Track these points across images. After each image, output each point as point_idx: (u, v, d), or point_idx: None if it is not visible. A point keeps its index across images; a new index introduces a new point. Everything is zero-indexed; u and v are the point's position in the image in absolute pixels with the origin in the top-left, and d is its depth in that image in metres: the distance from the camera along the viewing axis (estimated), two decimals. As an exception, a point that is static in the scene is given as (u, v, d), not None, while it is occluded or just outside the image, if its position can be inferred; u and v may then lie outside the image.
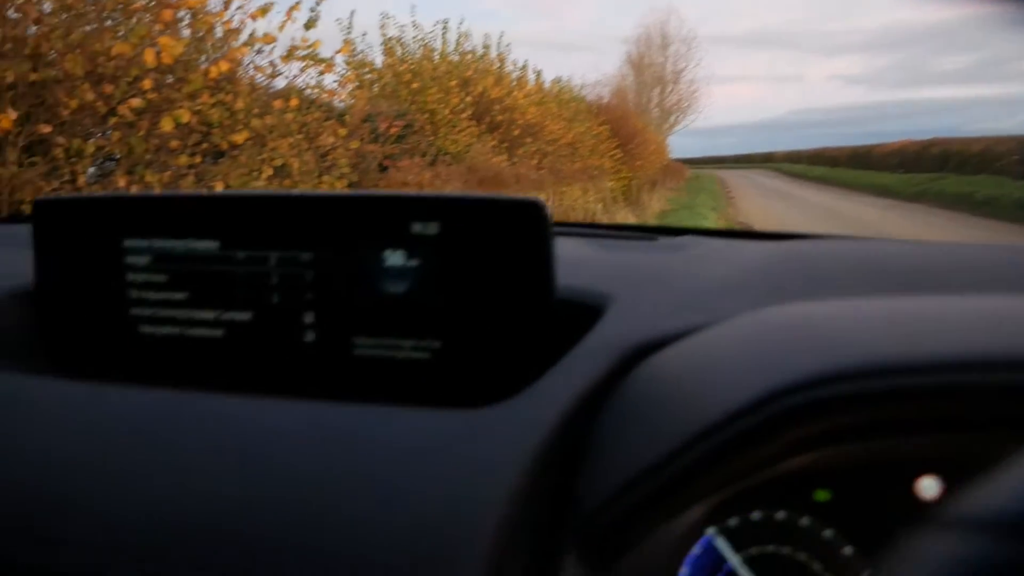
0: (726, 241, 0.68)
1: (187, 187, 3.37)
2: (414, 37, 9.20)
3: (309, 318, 0.48)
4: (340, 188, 5.57)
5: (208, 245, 0.49)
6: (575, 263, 0.55)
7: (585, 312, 0.47)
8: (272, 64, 4.89)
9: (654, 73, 35.50)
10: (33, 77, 2.78)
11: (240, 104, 4.56)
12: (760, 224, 11.04)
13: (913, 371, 0.30)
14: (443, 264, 0.46)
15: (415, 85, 8.38)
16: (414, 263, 0.46)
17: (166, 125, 3.53)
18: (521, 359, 0.44)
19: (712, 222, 10.40)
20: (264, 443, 0.36)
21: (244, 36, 4.69)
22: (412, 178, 6.61)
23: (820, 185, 24.77)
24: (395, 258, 0.46)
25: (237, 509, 0.32)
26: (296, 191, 0.63)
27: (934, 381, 0.29)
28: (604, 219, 10.57)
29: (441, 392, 0.42)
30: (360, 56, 8.75)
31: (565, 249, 0.66)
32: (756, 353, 0.35)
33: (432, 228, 0.45)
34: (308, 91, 5.61)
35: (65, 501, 0.34)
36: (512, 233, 0.45)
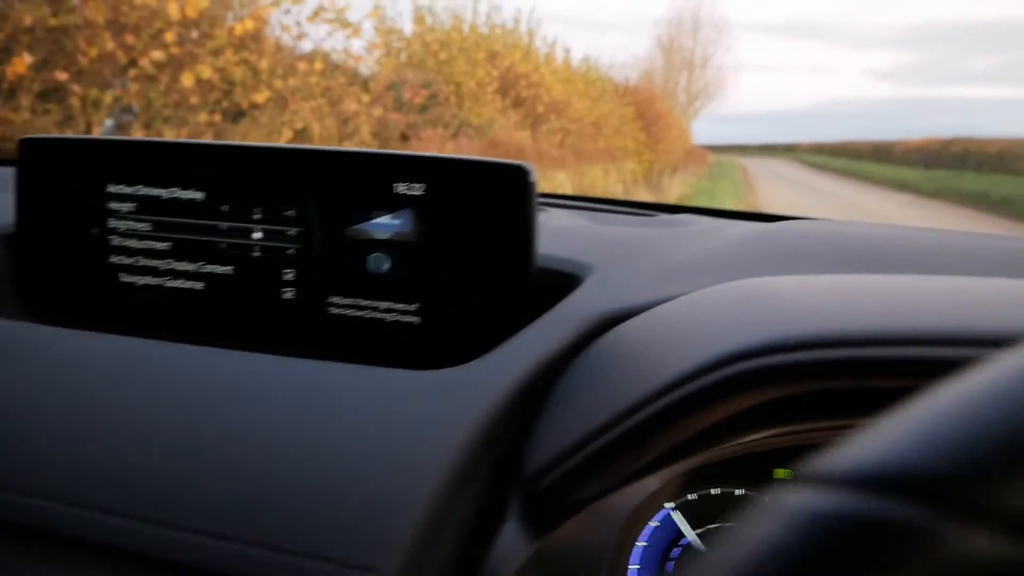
0: (723, 220, 0.67)
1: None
2: (444, 7, 9.13)
3: (289, 275, 0.47)
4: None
5: (193, 195, 0.48)
6: (567, 234, 0.54)
7: (565, 281, 0.46)
8: (298, 24, 4.89)
9: (683, 57, 35.09)
10: (52, 22, 2.78)
11: (264, 64, 4.56)
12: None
13: (854, 343, 0.29)
14: (426, 226, 0.44)
15: (443, 55, 8.31)
16: (397, 223, 0.45)
17: (187, 80, 3.53)
18: (497, 325, 0.43)
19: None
20: (219, 392, 0.35)
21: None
22: (433, 149, 6.59)
23: (842, 178, 24.53)
24: (378, 218, 0.45)
25: (185, 457, 0.32)
26: (283, 144, 0.62)
27: (875, 355, 0.28)
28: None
29: (416, 355, 0.42)
30: (389, 23, 8.71)
31: (561, 220, 0.65)
32: (711, 322, 0.34)
33: (416, 189, 0.44)
34: (334, 55, 5.61)
35: (30, 444, 0.34)
36: (497, 197, 0.43)
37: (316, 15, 4.78)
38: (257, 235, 0.47)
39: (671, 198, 12.46)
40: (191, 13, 3.55)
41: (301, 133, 5.11)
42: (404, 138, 6.63)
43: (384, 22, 8.55)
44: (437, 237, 0.44)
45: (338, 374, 0.37)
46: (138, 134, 3.15)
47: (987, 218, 11.68)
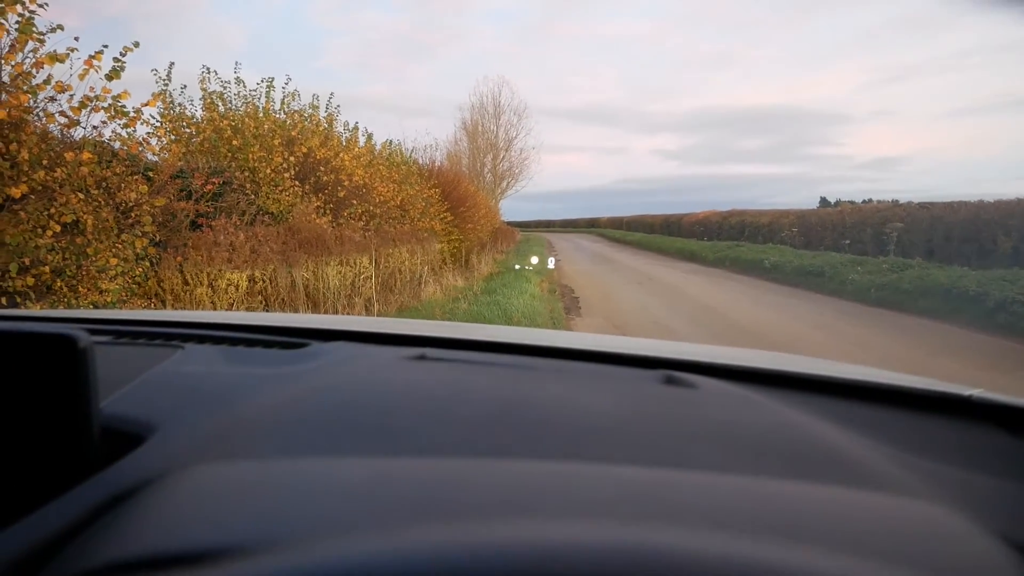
0: (370, 348, 0.68)
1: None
2: (237, 93, 8.95)
3: None
4: (141, 246, 5.26)
5: None
6: (153, 385, 0.54)
7: (129, 439, 0.46)
8: (63, 113, 4.56)
9: (487, 140, 36.58)
10: None
11: (25, 154, 4.21)
12: (582, 287, 11.56)
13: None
14: None
15: (236, 142, 8.10)
16: None
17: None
18: (43, 487, 0.42)
19: (535, 286, 10.72)
20: None
21: (38, 81, 4.38)
22: (224, 238, 6.35)
23: (637, 249, 26.39)
24: None
25: None
26: None
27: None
28: (430, 282, 10.62)
29: None
30: (179, 109, 8.39)
31: (182, 364, 0.63)
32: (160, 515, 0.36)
33: None
34: (115, 143, 5.27)
35: None
36: (44, 366, 0.42)
37: (83, 105, 4.51)
38: None
39: (479, 276, 12.77)
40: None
41: (73, 226, 4.75)
42: (195, 227, 6.35)
43: (173, 108, 8.25)
44: None
45: None
46: None
47: (760, 282, 13.08)
